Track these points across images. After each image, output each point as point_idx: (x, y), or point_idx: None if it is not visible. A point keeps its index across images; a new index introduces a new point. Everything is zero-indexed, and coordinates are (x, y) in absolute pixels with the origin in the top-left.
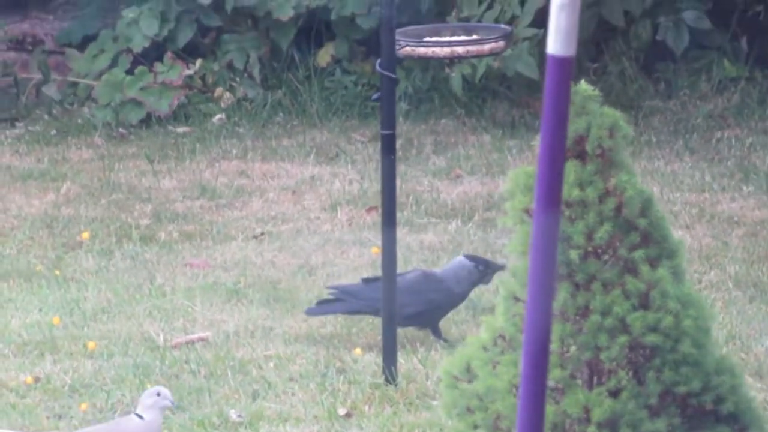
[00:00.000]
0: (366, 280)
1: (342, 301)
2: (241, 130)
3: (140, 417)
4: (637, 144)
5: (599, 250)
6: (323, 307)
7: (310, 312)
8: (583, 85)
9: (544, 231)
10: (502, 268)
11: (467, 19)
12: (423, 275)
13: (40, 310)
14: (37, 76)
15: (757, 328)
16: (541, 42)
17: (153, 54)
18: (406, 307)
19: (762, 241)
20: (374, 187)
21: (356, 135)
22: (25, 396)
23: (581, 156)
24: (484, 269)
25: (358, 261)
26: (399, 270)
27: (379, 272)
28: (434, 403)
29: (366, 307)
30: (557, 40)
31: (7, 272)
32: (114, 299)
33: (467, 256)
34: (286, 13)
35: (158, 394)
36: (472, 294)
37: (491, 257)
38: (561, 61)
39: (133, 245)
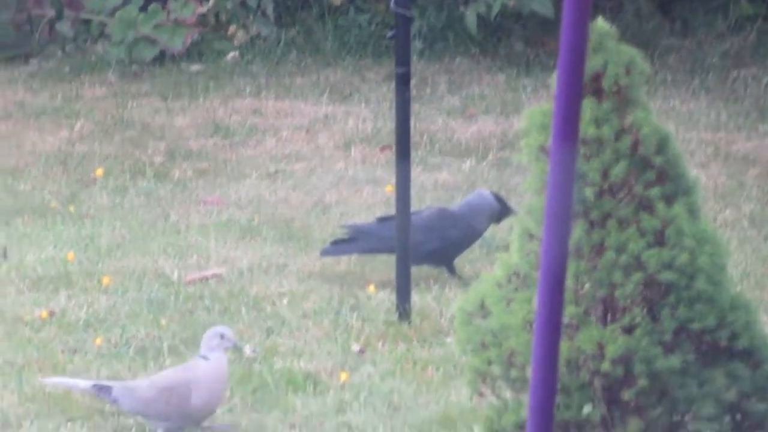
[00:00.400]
0: (381, 219)
1: (356, 241)
2: (254, 68)
3: (206, 359)
4: (653, 83)
5: (615, 188)
6: (338, 247)
7: (326, 253)
8: (600, 22)
9: (561, 168)
10: (514, 213)
11: None
12: (439, 212)
13: (55, 245)
14: (51, 12)
15: None
16: None
17: None
18: (423, 245)
19: None
20: (388, 126)
21: (370, 73)
22: (40, 330)
23: (597, 93)
24: (501, 207)
25: (371, 200)
26: (413, 209)
27: (393, 211)
28: (448, 339)
29: (381, 246)
30: None
31: (21, 208)
32: (128, 236)
33: (491, 193)
34: None
35: (222, 336)
36: (486, 232)
37: (505, 195)
38: None
39: (147, 182)
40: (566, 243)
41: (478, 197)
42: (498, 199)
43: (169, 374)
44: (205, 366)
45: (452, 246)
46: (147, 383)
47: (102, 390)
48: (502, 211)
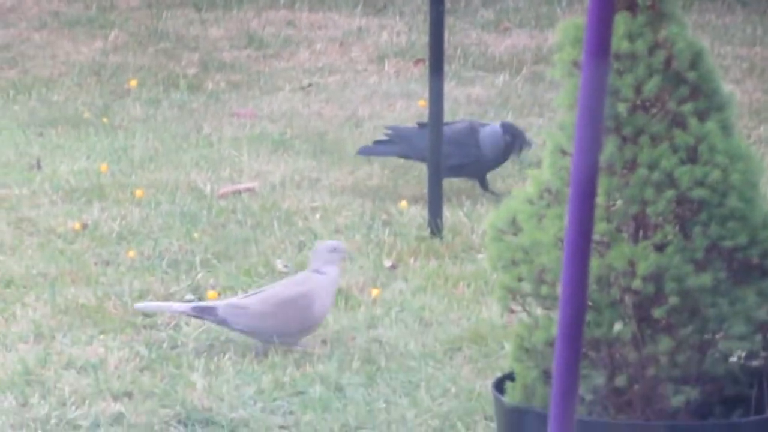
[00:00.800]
0: (421, 125)
1: (394, 144)
2: None
3: (320, 273)
4: None
5: (647, 104)
6: (376, 147)
7: (363, 151)
8: None
9: (592, 82)
10: (529, 145)
11: None
12: (469, 127)
13: (88, 157)
14: None
15: None
16: None
17: None
18: (449, 158)
19: None
20: (422, 39)
21: None
22: (73, 242)
23: (631, 7)
24: (511, 140)
25: (404, 114)
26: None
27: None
28: (479, 256)
29: (415, 153)
30: None
31: (55, 119)
32: (161, 148)
33: (503, 124)
34: None
35: (334, 250)
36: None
37: (538, 111)
38: None
39: (180, 94)
40: (596, 159)
41: (491, 128)
42: (506, 130)
43: (285, 289)
44: (322, 279)
45: (475, 164)
46: (257, 299)
47: (205, 311)
48: (512, 143)
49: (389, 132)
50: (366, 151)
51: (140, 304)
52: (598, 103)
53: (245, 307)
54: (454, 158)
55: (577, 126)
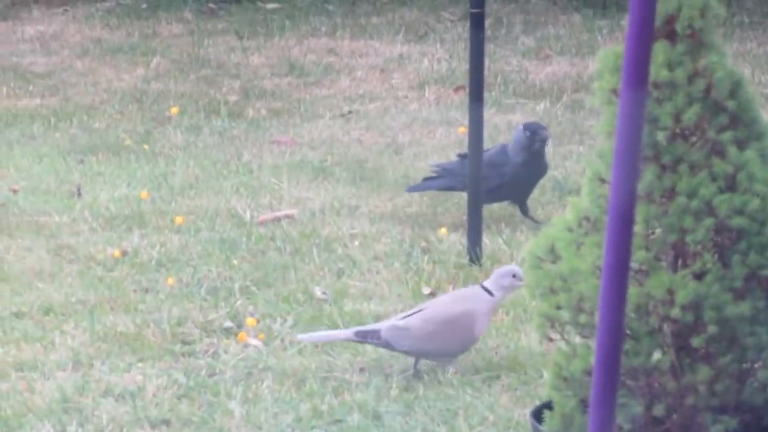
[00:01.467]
0: (461, 156)
1: (441, 178)
2: (330, 7)
3: (490, 293)
4: (729, 25)
5: (687, 132)
6: (424, 184)
7: (412, 189)
8: None
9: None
10: (545, 137)
11: None
12: (501, 148)
13: (129, 184)
14: None
15: None
16: None
17: None
18: (487, 181)
19: None
20: (462, 66)
21: (445, 13)
22: (113, 269)
23: (671, 36)
24: (531, 135)
25: (444, 140)
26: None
27: (466, 151)
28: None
29: (458, 183)
30: None
31: (96, 146)
32: (201, 175)
33: (524, 124)
34: None
35: (514, 276)
36: (559, 175)
37: (578, 138)
38: None
39: (221, 121)
40: (635, 187)
41: (514, 132)
42: (527, 127)
43: (447, 308)
44: (488, 299)
45: (510, 183)
46: (419, 319)
47: (368, 335)
48: (532, 138)
49: (436, 168)
50: (415, 188)
51: (303, 336)
52: (635, 132)
53: (407, 328)
54: (491, 180)
55: (615, 154)
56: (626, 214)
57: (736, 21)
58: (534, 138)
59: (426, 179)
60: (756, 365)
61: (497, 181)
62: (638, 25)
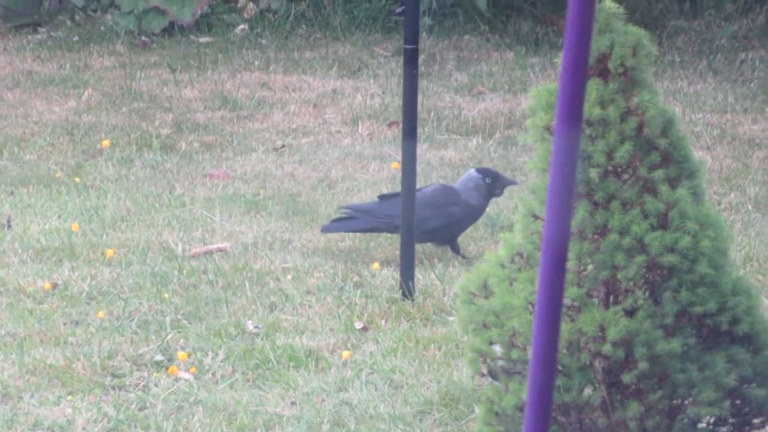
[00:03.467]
0: (382, 197)
1: (357, 219)
2: (263, 41)
3: None
4: (661, 64)
5: (619, 169)
6: (339, 224)
7: (326, 229)
8: (608, 2)
9: (565, 148)
10: (511, 183)
11: None
12: (442, 189)
13: (59, 216)
14: None
15: None
16: None
17: None
18: (426, 222)
19: None
20: (396, 102)
21: (379, 49)
22: (43, 302)
23: (603, 74)
24: (492, 183)
25: (377, 176)
26: (417, 186)
27: (398, 187)
28: (450, 318)
29: (382, 225)
30: None
31: (27, 178)
32: (133, 208)
33: (477, 169)
34: None
35: None
36: (491, 210)
37: (511, 175)
38: None
39: (153, 154)
40: (568, 224)
41: (467, 175)
42: (485, 174)
43: None
44: None
45: (456, 223)
46: None
47: None
48: (493, 185)
49: (347, 210)
50: (329, 229)
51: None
52: (570, 169)
53: None
54: (431, 221)
55: (549, 191)
56: (560, 251)
57: (666, 60)
58: (495, 185)
59: (336, 220)
60: (686, 402)
61: (438, 222)
62: (573, 62)
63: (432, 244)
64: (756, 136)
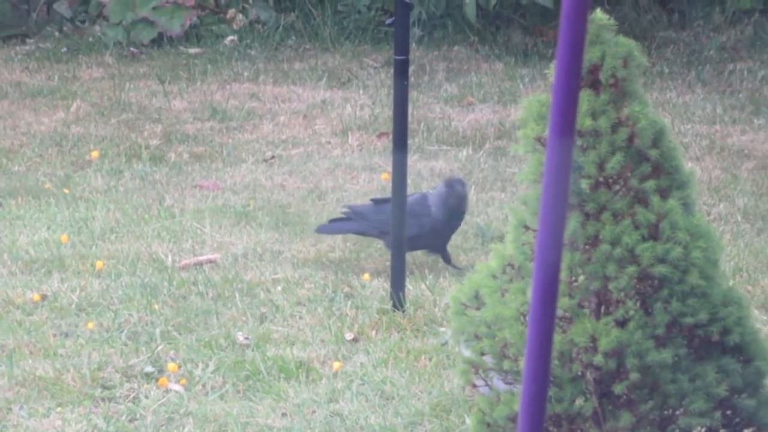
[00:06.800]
0: (376, 201)
1: (352, 221)
2: (252, 52)
3: None
4: (650, 75)
5: (610, 180)
6: (333, 225)
7: (321, 230)
8: (599, 14)
9: (558, 159)
10: (461, 193)
11: None
12: (420, 198)
13: (49, 228)
14: None
15: (764, 261)
16: None
17: None
18: (407, 230)
19: None
20: (386, 112)
21: (369, 60)
22: (32, 313)
23: (594, 85)
24: (447, 190)
25: (367, 186)
26: None
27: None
28: (441, 329)
29: (371, 229)
30: None
31: (15, 189)
32: (122, 219)
33: (447, 180)
34: None
35: None
36: (481, 222)
37: (501, 185)
38: None
39: (142, 165)
40: (561, 235)
41: (439, 186)
42: (448, 183)
43: None
44: None
45: (430, 234)
46: None
47: None
48: (448, 192)
49: (347, 210)
50: (324, 230)
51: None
52: (563, 180)
53: None
54: (410, 229)
55: (542, 202)
56: (553, 262)
57: (656, 71)
58: (450, 193)
59: (333, 221)
60: (677, 412)
61: (415, 231)
62: (565, 74)
63: (421, 253)
64: (745, 147)
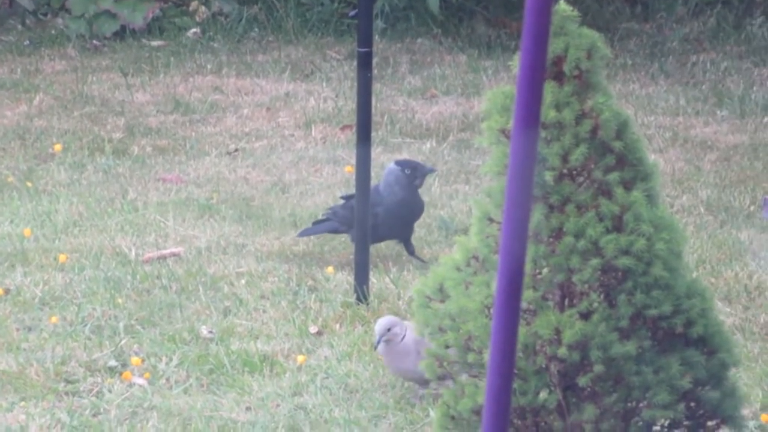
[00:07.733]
0: (345, 198)
1: (329, 221)
2: (215, 45)
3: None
4: (613, 67)
5: (574, 172)
6: (313, 228)
7: (303, 233)
8: (562, 5)
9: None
10: (430, 171)
11: None
12: (373, 189)
13: (11, 221)
14: None
15: (728, 253)
16: None
17: None
18: None
19: (734, 165)
20: (349, 105)
21: (332, 52)
22: None
23: (558, 77)
24: (411, 173)
25: (331, 179)
26: None
27: (352, 190)
28: (406, 322)
29: (341, 225)
30: None
31: None
32: (86, 212)
33: (396, 162)
34: None
35: (389, 330)
36: (445, 214)
37: (465, 178)
38: None
39: (105, 158)
40: (526, 227)
41: (387, 169)
42: (404, 166)
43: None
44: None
45: (391, 218)
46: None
47: None
48: (413, 175)
49: (328, 212)
50: (306, 233)
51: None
52: (528, 172)
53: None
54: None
55: (506, 195)
56: (518, 254)
57: (619, 63)
58: (415, 174)
59: (316, 222)
60: (641, 404)
61: (373, 220)
62: (530, 66)
63: (386, 245)
64: (708, 139)
